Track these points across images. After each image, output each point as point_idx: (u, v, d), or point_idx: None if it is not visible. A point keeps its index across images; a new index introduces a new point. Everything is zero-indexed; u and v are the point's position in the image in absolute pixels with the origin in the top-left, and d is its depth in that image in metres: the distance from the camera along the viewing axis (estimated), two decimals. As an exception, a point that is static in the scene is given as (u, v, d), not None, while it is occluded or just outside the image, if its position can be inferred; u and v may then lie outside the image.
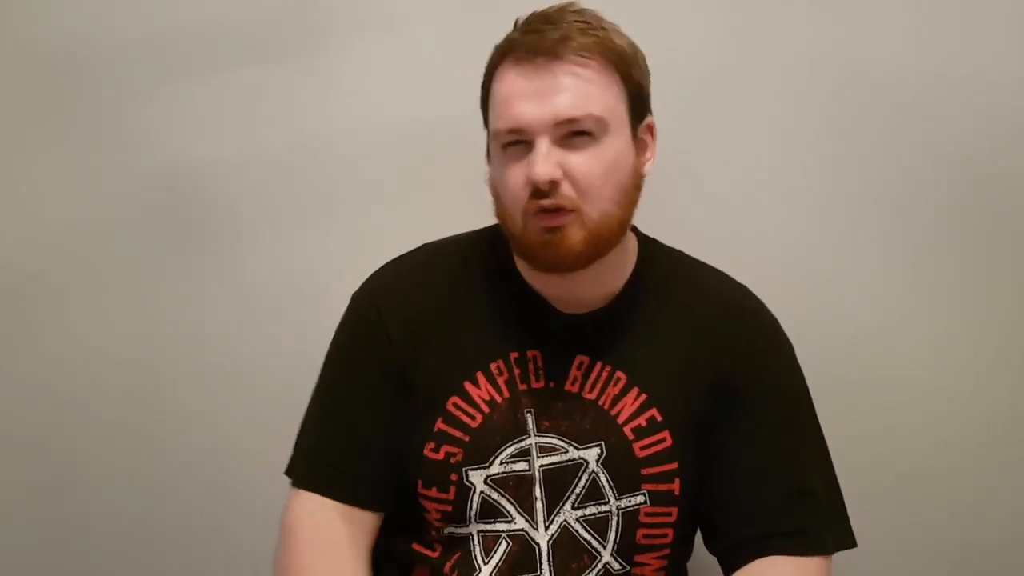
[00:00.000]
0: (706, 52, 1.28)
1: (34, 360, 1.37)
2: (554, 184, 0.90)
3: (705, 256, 1.08)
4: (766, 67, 1.27)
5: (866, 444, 1.29)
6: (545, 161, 0.90)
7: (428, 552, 1.01)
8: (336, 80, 1.31)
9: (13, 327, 1.37)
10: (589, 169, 0.92)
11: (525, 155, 0.92)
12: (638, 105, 0.97)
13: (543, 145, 0.91)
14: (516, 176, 0.93)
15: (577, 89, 0.91)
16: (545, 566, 0.97)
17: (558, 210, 0.91)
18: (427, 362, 1.01)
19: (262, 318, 1.34)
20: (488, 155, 1.00)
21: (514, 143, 0.93)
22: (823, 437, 1.02)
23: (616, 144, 0.94)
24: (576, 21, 0.93)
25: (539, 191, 0.91)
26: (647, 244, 1.05)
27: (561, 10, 0.95)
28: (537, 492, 0.98)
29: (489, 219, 1.03)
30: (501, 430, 0.98)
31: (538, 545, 0.97)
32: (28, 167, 1.34)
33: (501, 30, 0.98)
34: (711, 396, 0.99)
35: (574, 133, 0.92)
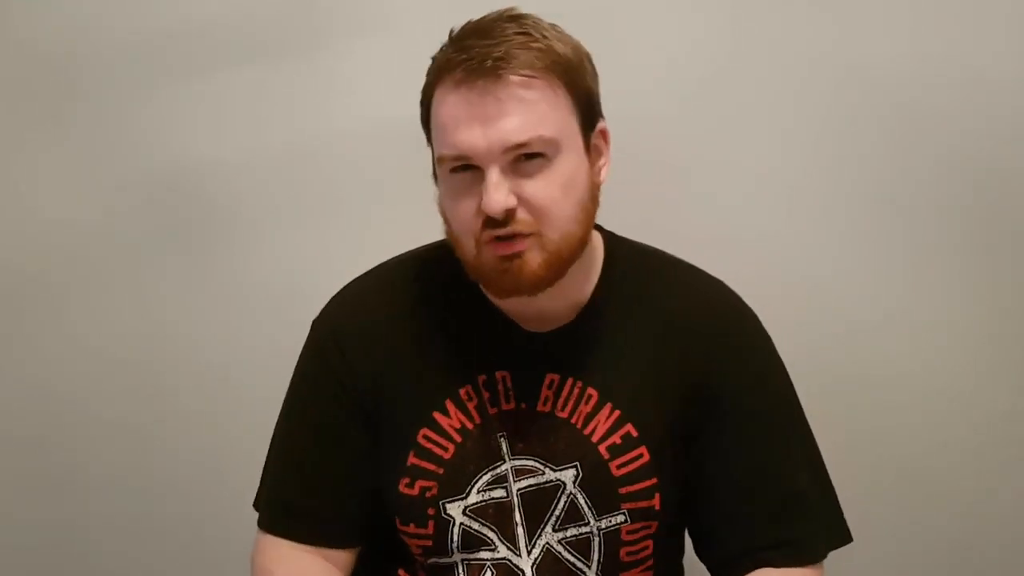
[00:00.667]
0: (705, 52, 1.27)
1: (34, 360, 1.38)
2: (509, 212, 0.85)
3: (703, 257, 1.05)
4: (765, 67, 1.27)
5: (865, 444, 1.29)
6: (497, 191, 0.85)
7: None
8: (336, 80, 1.31)
9: (13, 327, 1.38)
10: (546, 193, 0.86)
11: (474, 182, 0.87)
12: (588, 113, 0.91)
13: (494, 174, 0.85)
14: (466, 205, 0.87)
15: (524, 111, 0.85)
16: None
17: (515, 236, 0.87)
18: (393, 391, 0.97)
19: (262, 318, 1.34)
20: (434, 175, 0.94)
21: (461, 168, 0.87)
22: (811, 432, 0.99)
23: (570, 161, 0.88)
24: (516, 34, 0.86)
25: (493, 220, 0.86)
26: (613, 245, 1.00)
27: (497, 20, 0.88)
28: (517, 517, 0.95)
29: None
30: (475, 458, 0.95)
31: (522, 572, 0.95)
32: (28, 167, 1.35)
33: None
34: (688, 402, 0.95)
35: (526, 156, 0.86)
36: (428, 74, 0.91)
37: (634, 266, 0.99)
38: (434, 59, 0.91)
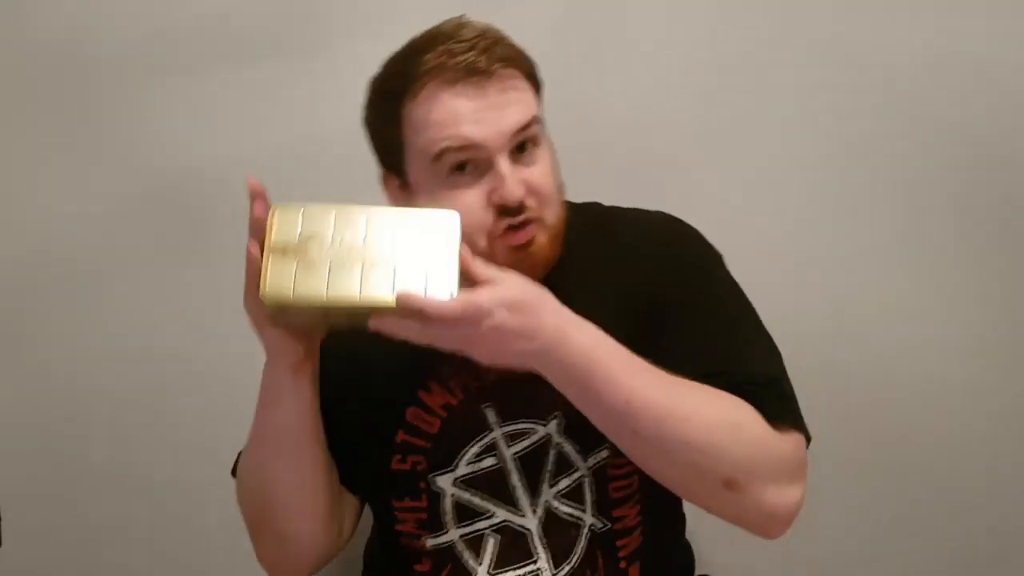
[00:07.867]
0: (704, 51, 1.30)
1: (45, 359, 1.42)
2: (523, 200, 0.92)
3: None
4: (766, 64, 1.30)
5: (865, 439, 1.31)
6: (512, 179, 0.92)
7: (418, 567, 1.02)
8: (344, 80, 1.30)
9: (24, 329, 1.40)
10: (544, 178, 0.95)
11: (474, 177, 0.93)
12: (540, 101, 0.99)
13: (504, 164, 0.92)
14: (472, 199, 0.93)
15: (517, 98, 0.94)
16: (540, 548, 0.99)
17: (525, 224, 0.93)
18: (375, 381, 1.02)
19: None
20: (400, 185, 0.98)
21: (461, 167, 0.93)
22: (762, 323, 1.01)
23: (548, 145, 0.97)
24: (482, 35, 0.94)
25: (507, 209, 0.92)
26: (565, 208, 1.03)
27: (459, 27, 0.96)
28: (515, 480, 1.00)
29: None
30: (461, 431, 1.01)
31: (529, 531, 1.00)
32: (36, 169, 1.38)
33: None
34: (648, 315, 0.98)
35: (523, 145, 0.93)
36: (390, 88, 0.96)
37: (581, 222, 1.03)
38: (394, 73, 0.96)
